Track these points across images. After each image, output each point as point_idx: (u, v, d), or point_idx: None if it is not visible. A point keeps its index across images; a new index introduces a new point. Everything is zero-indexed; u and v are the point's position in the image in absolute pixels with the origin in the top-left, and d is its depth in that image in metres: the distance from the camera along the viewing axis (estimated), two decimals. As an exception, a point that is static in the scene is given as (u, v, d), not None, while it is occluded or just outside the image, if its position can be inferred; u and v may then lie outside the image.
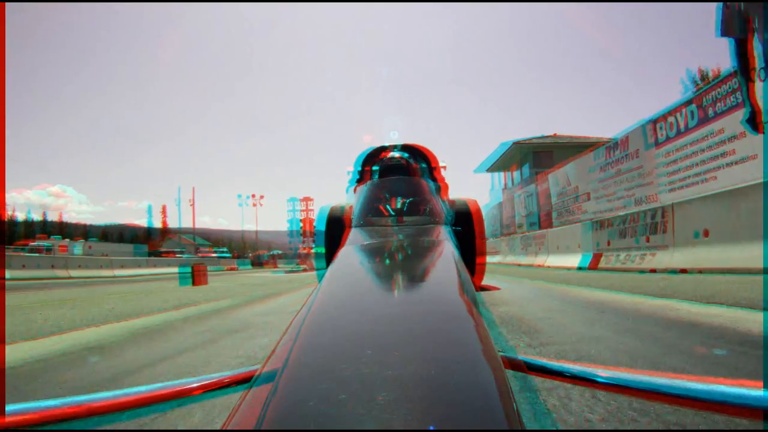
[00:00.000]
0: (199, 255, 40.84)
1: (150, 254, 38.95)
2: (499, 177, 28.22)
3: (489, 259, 13.08)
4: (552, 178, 17.02)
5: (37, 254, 24.31)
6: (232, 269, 29.83)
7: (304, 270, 21.40)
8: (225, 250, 48.09)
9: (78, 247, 42.32)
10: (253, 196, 50.32)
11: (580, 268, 8.43)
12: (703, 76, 25.90)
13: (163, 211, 70.80)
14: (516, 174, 24.15)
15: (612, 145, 12.35)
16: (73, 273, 16.44)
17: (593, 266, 8.03)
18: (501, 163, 25.07)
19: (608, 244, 7.83)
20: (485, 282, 4.29)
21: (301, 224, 42.35)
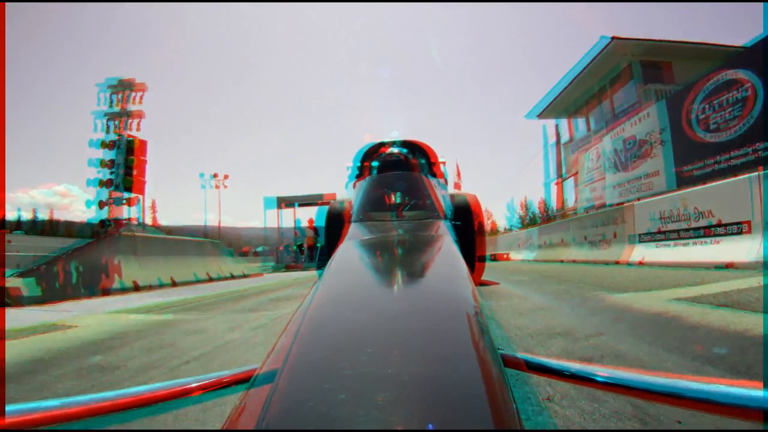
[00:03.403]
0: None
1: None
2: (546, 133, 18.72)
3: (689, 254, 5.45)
4: None
5: None
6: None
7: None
8: None
9: (-10, 243, 34.97)
10: (216, 176, 35.78)
11: None
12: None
13: (153, 206, 67.20)
14: (593, 118, 15.07)
15: None
16: None
17: None
18: (576, 93, 15.30)
19: None
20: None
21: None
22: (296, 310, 0.71)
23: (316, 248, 16.69)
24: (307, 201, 21.63)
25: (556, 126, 18.58)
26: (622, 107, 13.37)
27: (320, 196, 20.84)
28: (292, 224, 21.93)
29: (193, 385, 0.56)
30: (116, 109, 9.05)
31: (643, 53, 12.68)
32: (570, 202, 17.67)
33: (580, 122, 16.88)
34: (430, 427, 0.36)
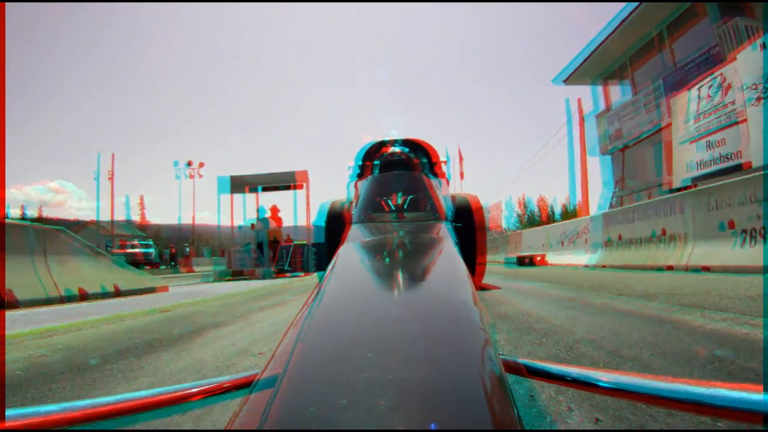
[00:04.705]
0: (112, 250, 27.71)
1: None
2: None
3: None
4: None
5: None
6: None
7: None
8: (150, 243, 31.25)
9: None
10: (190, 163, 30.14)
11: None
12: None
13: (141, 202, 62.37)
14: (641, 78, 11.74)
15: None
16: None
17: None
18: (618, 48, 12.05)
19: None
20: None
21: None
22: (298, 313, 0.71)
23: (286, 246, 12.26)
24: (273, 183, 14.80)
25: (579, 100, 15.06)
26: (690, 57, 9.84)
27: (291, 176, 14.32)
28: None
29: (194, 390, 0.56)
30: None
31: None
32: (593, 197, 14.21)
33: (618, 89, 13.20)
34: (432, 427, 0.36)
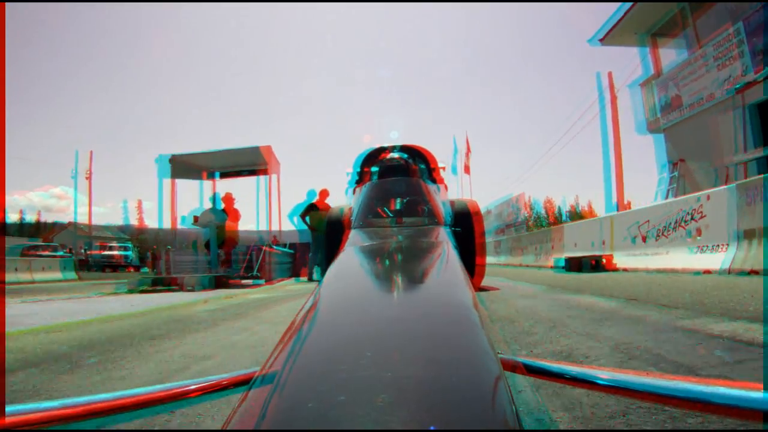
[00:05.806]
0: (83, 252, 26.28)
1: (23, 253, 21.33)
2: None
3: None
4: None
5: None
6: None
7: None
8: (129, 245, 29.82)
9: None
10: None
11: None
12: None
13: (139, 206, 61.18)
14: (707, 25, 8.75)
15: None
16: None
17: None
18: None
19: None
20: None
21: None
22: (297, 314, 0.72)
23: (257, 248, 9.12)
24: (231, 166, 10.31)
25: (610, 74, 11.92)
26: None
27: (254, 154, 9.30)
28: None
29: (192, 387, 0.56)
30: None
31: None
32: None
33: (670, 51, 10.17)
34: (431, 428, 0.36)
